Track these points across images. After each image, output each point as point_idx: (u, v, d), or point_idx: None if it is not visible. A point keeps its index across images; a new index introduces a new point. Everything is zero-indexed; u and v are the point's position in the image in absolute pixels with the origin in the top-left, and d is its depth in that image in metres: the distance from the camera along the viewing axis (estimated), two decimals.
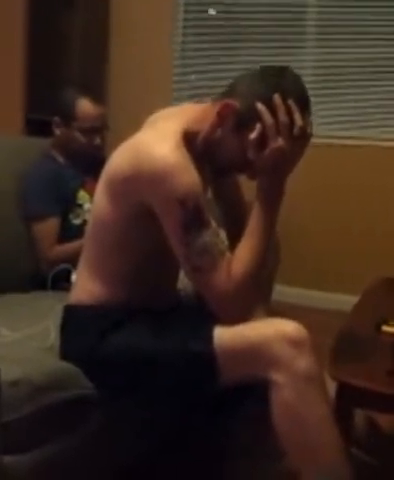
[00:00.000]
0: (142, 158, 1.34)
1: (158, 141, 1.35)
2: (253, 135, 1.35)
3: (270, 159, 1.36)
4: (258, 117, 1.35)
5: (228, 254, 1.36)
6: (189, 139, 1.38)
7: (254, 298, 1.45)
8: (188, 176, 1.33)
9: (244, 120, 1.37)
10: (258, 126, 1.35)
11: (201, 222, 1.33)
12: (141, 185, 1.35)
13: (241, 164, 1.41)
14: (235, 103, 1.37)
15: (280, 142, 1.34)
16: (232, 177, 1.60)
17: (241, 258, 1.36)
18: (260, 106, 1.35)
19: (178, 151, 1.34)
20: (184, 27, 3.62)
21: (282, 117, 1.34)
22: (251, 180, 1.44)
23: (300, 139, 1.36)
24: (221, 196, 1.60)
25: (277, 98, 1.34)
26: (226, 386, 1.36)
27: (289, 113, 1.34)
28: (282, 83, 1.37)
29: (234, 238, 1.38)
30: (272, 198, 1.39)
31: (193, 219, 1.32)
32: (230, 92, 1.41)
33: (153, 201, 1.35)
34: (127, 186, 1.38)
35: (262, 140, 1.35)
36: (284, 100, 1.34)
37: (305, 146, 1.38)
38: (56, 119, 2.22)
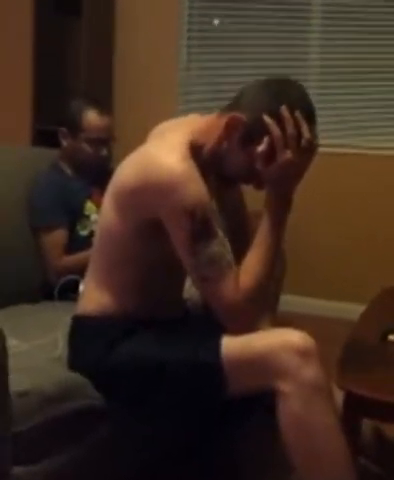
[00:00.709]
0: (150, 170, 1.35)
1: (165, 152, 1.36)
2: (261, 148, 1.36)
3: (278, 171, 1.37)
4: (266, 129, 1.36)
5: (234, 264, 1.37)
6: (195, 150, 1.39)
7: (261, 308, 1.46)
8: (196, 187, 1.34)
9: (251, 133, 1.38)
10: (266, 139, 1.36)
11: (209, 232, 1.33)
12: (149, 196, 1.36)
13: (248, 175, 1.43)
14: (242, 116, 1.38)
15: (288, 155, 1.35)
16: (236, 188, 1.61)
17: (250, 268, 1.37)
18: (267, 119, 1.36)
19: (185, 162, 1.35)
20: (189, 38, 3.64)
21: (290, 129, 1.35)
22: (258, 190, 1.45)
23: (307, 151, 1.37)
24: (224, 207, 1.61)
25: (285, 110, 1.35)
26: (234, 396, 1.36)
27: (296, 125, 1.35)
28: (288, 95, 1.38)
29: (237, 249, 1.39)
30: (280, 209, 1.40)
31: (201, 229, 1.33)
32: (236, 104, 1.42)
33: (161, 212, 1.36)
34: (135, 198, 1.39)
35: (270, 152, 1.36)
36: (291, 112, 1.35)
37: (312, 157, 1.39)
38: (63, 130, 2.23)
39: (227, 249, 1.36)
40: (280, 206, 1.40)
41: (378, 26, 3.27)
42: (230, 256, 1.36)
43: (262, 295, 1.39)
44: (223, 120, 1.40)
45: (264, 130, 1.36)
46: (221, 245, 1.35)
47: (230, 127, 1.39)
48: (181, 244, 1.35)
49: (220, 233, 1.35)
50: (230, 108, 1.42)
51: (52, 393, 1.41)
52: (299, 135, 1.35)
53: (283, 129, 1.35)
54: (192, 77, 3.68)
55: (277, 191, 1.39)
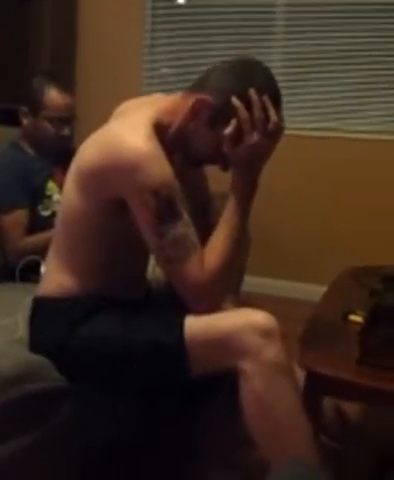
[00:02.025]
0: (113, 149, 1.34)
1: (129, 131, 1.35)
2: (228, 130, 1.36)
3: (245, 153, 1.37)
4: (233, 112, 1.36)
5: (199, 245, 1.37)
6: (159, 130, 1.37)
7: (226, 289, 1.46)
8: (161, 166, 1.33)
9: (218, 115, 1.38)
10: (233, 121, 1.36)
11: (174, 213, 1.33)
12: (113, 175, 1.35)
13: (214, 156, 1.42)
14: (209, 98, 1.38)
15: (255, 137, 1.35)
16: (199, 169, 1.61)
17: (215, 249, 1.37)
18: (236, 101, 1.35)
19: (150, 141, 1.33)
20: (153, 16, 3.60)
21: (258, 113, 1.35)
22: (223, 171, 1.45)
23: (274, 134, 1.37)
24: (187, 188, 1.60)
25: (253, 93, 1.35)
26: (197, 376, 1.36)
27: (264, 108, 1.35)
28: (255, 78, 1.38)
29: (200, 230, 1.39)
30: (246, 191, 1.40)
31: (166, 210, 1.32)
32: (201, 85, 1.41)
33: (125, 192, 1.35)
34: (98, 177, 1.37)
35: (237, 134, 1.36)
36: (259, 95, 1.35)
37: (278, 140, 1.40)
38: (23, 108, 2.19)
39: (192, 230, 1.36)
40: (246, 188, 1.40)
41: (344, 12, 3.27)
42: (195, 237, 1.36)
43: (227, 275, 1.40)
44: (189, 101, 1.39)
45: (231, 112, 1.36)
46: (186, 226, 1.34)
47: (197, 109, 1.38)
48: (146, 224, 1.34)
49: (185, 214, 1.35)
50: (195, 89, 1.41)
51: (13, 375, 1.39)
52: (266, 118, 1.35)
53: (251, 112, 1.35)
54: (156, 56, 3.64)
55: (243, 173, 1.40)
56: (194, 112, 1.39)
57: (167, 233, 1.32)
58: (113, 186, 1.36)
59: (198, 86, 1.41)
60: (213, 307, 1.38)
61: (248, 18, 3.43)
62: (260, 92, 1.35)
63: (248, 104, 1.35)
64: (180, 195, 1.35)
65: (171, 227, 1.32)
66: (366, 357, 1.39)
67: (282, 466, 1.27)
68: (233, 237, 1.39)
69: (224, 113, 1.37)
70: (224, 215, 1.40)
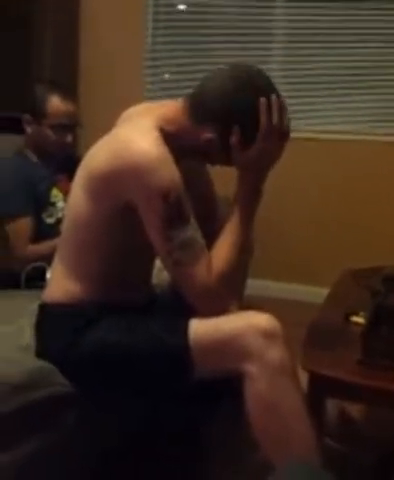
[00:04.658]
0: (122, 153, 1.35)
1: (139, 136, 1.36)
2: (235, 139, 1.38)
3: (255, 159, 1.39)
4: (235, 120, 1.37)
5: (206, 249, 1.38)
6: (164, 135, 1.38)
7: (233, 292, 1.47)
8: (169, 170, 1.34)
9: (222, 125, 1.39)
10: (236, 128, 1.37)
11: (182, 217, 1.34)
12: (122, 180, 1.35)
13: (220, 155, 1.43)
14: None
15: (266, 143, 1.37)
16: (205, 174, 1.62)
17: (222, 253, 1.39)
18: (263, 102, 1.36)
19: (159, 146, 1.34)
20: (154, 23, 3.60)
21: (272, 119, 1.37)
22: (212, 165, 1.46)
23: (282, 139, 1.39)
24: (193, 192, 1.61)
25: (264, 101, 1.36)
26: (201, 380, 1.37)
27: (270, 114, 1.37)
28: (258, 84, 1.39)
29: (206, 235, 1.40)
30: (253, 196, 1.42)
31: (175, 213, 1.33)
32: (200, 93, 1.42)
33: (134, 196, 1.35)
34: (107, 183, 1.38)
35: (243, 140, 1.38)
36: (268, 102, 1.37)
37: (285, 145, 1.41)
38: (26, 116, 2.20)
39: (199, 234, 1.36)
40: (253, 192, 1.42)
41: (343, 15, 3.28)
42: (202, 240, 1.37)
43: (234, 279, 1.41)
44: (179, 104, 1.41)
45: (233, 121, 1.37)
46: (194, 229, 1.35)
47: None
48: (154, 228, 1.35)
49: (192, 218, 1.36)
50: (194, 97, 1.42)
51: (20, 382, 1.41)
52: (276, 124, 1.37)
53: (257, 118, 1.36)
54: (158, 62, 3.66)
55: (252, 178, 1.41)
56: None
57: (176, 237, 1.33)
58: (123, 190, 1.36)
59: (197, 96, 1.42)
60: (221, 310, 1.39)
61: (249, 25, 3.44)
62: (267, 98, 1.37)
63: (255, 111, 1.36)
64: (188, 199, 1.36)
65: (180, 230, 1.33)
66: (368, 358, 1.40)
67: (285, 467, 1.28)
68: (238, 244, 1.40)
69: (227, 124, 1.38)
70: (230, 219, 1.41)
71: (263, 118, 1.36)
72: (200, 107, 1.41)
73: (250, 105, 1.37)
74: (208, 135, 1.40)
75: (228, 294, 1.42)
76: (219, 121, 1.39)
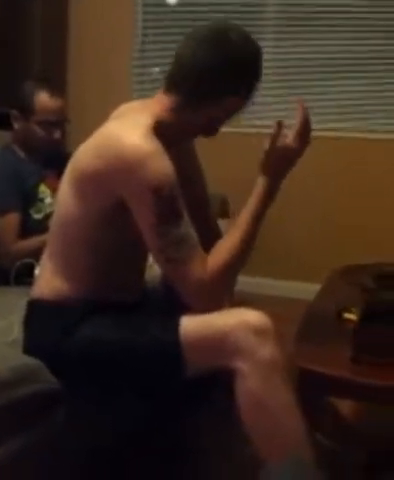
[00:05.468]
0: (113, 148, 1.33)
1: (129, 131, 1.34)
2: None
3: (283, 160, 1.41)
4: (227, 90, 1.39)
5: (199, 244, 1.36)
6: (158, 129, 1.36)
7: (228, 289, 1.47)
8: (162, 164, 1.31)
9: (217, 99, 1.40)
10: (231, 98, 1.40)
11: (176, 212, 1.32)
12: (114, 176, 1.33)
13: (205, 128, 1.46)
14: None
15: (296, 143, 1.40)
16: (196, 162, 1.61)
17: (223, 251, 1.37)
18: (227, 80, 1.38)
19: (150, 139, 1.33)
20: (144, 15, 3.59)
21: (309, 120, 1.41)
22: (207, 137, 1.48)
23: (307, 141, 1.43)
24: (182, 173, 1.59)
25: (299, 100, 1.43)
26: (192, 376, 1.37)
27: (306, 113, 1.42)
28: (232, 46, 1.39)
29: (196, 219, 1.38)
30: (270, 195, 1.42)
31: (168, 208, 1.31)
32: (183, 77, 1.41)
33: (126, 192, 1.33)
34: (98, 179, 1.36)
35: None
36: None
37: (305, 149, 1.44)
38: (14, 112, 2.19)
39: (192, 229, 1.35)
40: (271, 192, 1.42)
41: (333, 12, 3.28)
42: (195, 235, 1.35)
43: (230, 278, 1.40)
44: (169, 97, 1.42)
45: (225, 93, 1.39)
46: (188, 226, 1.33)
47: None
48: (147, 225, 1.33)
49: (185, 213, 1.34)
50: (179, 85, 1.42)
51: (7, 378, 1.40)
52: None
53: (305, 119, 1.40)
54: (147, 56, 3.64)
55: (274, 177, 1.42)
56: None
57: (170, 233, 1.31)
58: (113, 186, 1.34)
59: (182, 83, 1.41)
60: (215, 306, 1.38)
61: (239, 18, 3.44)
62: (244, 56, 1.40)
63: (240, 70, 1.39)
64: (180, 193, 1.34)
65: (173, 226, 1.31)
66: (360, 354, 1.40)
67: (277, 463, 1.28)
68: (244, 242, 1.38)
69: (213, 96, 1.39)
70: (240, 216, 1.40)
71: (299, 118, 1.40)
72: (192, 96, 1.41)
73: (236, 72, 1.38)
74: (209, 114, 1.41)
75: (223, 290, 1.42)
76: (213, 98, 1.39)
